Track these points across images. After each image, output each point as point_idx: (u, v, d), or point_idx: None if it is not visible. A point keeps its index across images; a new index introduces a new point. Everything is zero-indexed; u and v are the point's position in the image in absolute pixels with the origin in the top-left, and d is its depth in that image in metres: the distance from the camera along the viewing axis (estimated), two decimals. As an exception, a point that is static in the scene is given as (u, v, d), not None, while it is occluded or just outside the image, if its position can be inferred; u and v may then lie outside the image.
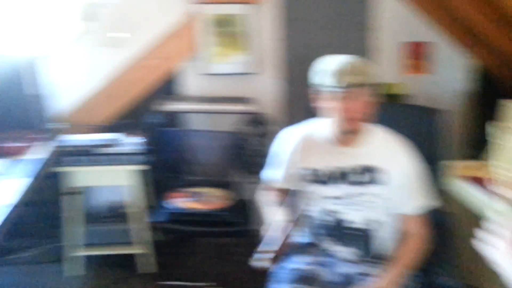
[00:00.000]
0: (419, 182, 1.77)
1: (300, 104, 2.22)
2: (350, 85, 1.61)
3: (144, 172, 2.72)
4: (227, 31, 3.02)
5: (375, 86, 1.66)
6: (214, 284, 2.61)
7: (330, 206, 1.78)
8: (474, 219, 2.57)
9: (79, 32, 2.97)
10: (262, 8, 3.04)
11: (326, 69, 1.66)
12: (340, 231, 1.79)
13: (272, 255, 1.69)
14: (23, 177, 1.97)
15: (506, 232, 1.10)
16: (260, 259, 1.70)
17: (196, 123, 3.10)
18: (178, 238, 2.93)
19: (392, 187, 1.73)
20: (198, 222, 2.34)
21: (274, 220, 1.78)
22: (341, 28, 3.14)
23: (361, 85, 1.62)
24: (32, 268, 2.77)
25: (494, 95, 2.78)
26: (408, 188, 1.74)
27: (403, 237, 1.76)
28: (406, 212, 1.76)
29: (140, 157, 2.54)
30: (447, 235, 1.90)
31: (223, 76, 3.09)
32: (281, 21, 3.10)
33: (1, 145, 2.21)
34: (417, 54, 3.20)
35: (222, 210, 2.40)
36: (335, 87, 1.63)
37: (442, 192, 2.56)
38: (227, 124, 2.95)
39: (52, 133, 2.62)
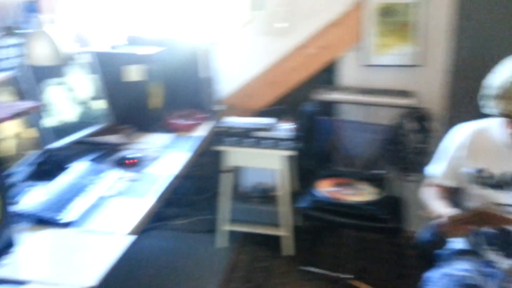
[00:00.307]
0: None
1: (468, 101, 2.07)
2: (506, 114, 1.53)
3: (293, 157, 2.76)
4: (393, 20, 2.89)
5: None
6: (352, 276, 2.55)
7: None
8: None
9: (246, 20, 3.12)
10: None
11: (496, 86, 1.56)
12: (506, 241, 1.66)
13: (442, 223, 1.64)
14: (187, 152, 2.16)
15: None
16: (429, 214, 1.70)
17: (352, 114, 3.04)
18: (320, 226, 2.92)
19: None
20: (342, 213, 2.31)
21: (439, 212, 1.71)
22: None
23: None
24: (186, 236, 3.02)
25: None
26: None
27: None
28: None
29: (292, 143, 2.58)
30: None
31: (385, 67, 2.96)
32: (454, 11, 2.85)
33: (173, 121, 2.44)
34: None
35: (369, 203, 2.32)
36: (496, 111, 1.56)
37: None
38: (384, 117, 2.83)
39: (216, 114, 2.82)
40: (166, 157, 2.09)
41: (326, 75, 3.19)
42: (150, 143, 2.23)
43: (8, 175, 1.49)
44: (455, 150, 1.77)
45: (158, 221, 3.06)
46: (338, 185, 2.50)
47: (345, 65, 3.08)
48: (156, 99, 2.47)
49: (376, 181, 2.55)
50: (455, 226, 1.57)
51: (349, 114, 3.06)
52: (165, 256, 2.81)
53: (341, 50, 3.06)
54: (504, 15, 2.80)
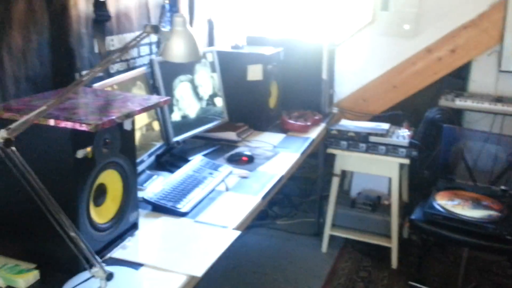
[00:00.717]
0: None
1: None
2: None
3: (407, 166, 2.63)
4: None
5: None
6: None
7: None
8: None
9: (369, 21, 3.04)
10: None
11: None
12: None
13: None
14: (299, 153, 2.17)
15: None
16: None
17: (482, 124, 2.81)
18: (431, 241, 2.72)
19: None
20: (458, 229, 2.12)
21: None
22: None
23: None
24: (290, 236, 3.00)
25: None
26: None
27: None
28: None
29: (407, 151, 2.44)
30: None
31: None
32: None
33: (289, 121, 2.47)
34: None
35: (492, 221, 2.11)
36: None
37: None
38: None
39: (331, 117, 2.79)
40: (278, 156, 2.12)
41: (456, 81, 2.99)
42: (264, 142, 2.28)
43: (137, 163, 1.63)
44: None
45: (264, 219, 3.10)
46: (457, 199, 2.31)
47: (479, 70, 2.86)
48: (273, 99, 2.51)
49: (501, 198, 2.31)
50: None
51: (479, 123, 2.84)
52: (267, 254, 2.83)
53: (474, 54, 2.85)
54: None
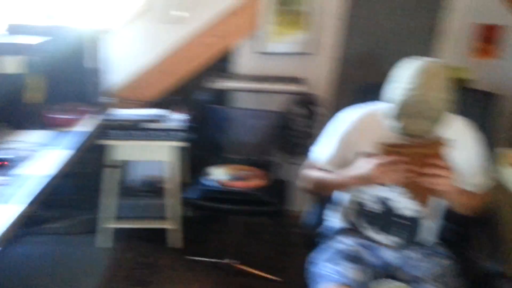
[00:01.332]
0: (482, 163, 1.71)
1: (352, 87, 2.14)
2: (414, 135, 1.50)
3: (184, 148, 2.73)
4: (289, 9, 2.95)
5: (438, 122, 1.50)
6: (238, 262, 2.61)
7: (384, 193, 1.72)
8: None
9: (141, 8, 3.02)
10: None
11: (396, 96, 1.51)
12: (386, 220, 1.75)
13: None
14: (67, 149, 2.06)
15: None
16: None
17: (246, 102, 3.08)
18: (209, 215, 2.95)
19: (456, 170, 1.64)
20: (230, 200, 2.34)
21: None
22: (410, 9, 2.95)
23: (427, 133, 1.49)
24: (65, 239, 2.87)
25: None
26: (471, 170, 1.68)
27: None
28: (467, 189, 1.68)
29: (183, 134, 2.56)
30: (493, 222, 1.81)
31: (279, 55, 3.02)
32: (346, 1, 2.96)
33: (53, 116, 2.32)
34: (487, 37, 2.93)
35: (257, 189, 2.38)
36: (399, 132, 1.53)
37: (495, 179, 2.42)
38: (277, 104, 2.91)
39: (102, 107, 2.72)
40: (42, 156, 1.97)
41: (222, 64, 3.19)
42: (24, 141, 2.09)
43: None
44: (344, 134, 1.73)
45: (34, 226, 2.88)
46: (229, 172, 2.52)
47: (240, 53, 3.10)
48: (35, 93, 2.33)
49: (266, 167, 2.61)
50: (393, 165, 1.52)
51: (244, 102, 3.09)
52: (41, 262, 2.65)
53: (238, 39, 3.07)
54: (395, 5, 2.95)
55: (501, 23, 2.90)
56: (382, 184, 1.57)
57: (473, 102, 2.01)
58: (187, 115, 2.70)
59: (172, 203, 2.72)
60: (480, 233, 1.74)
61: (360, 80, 2.13)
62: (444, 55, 2.97)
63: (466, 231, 1.84)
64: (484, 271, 1.63)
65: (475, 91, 2.63)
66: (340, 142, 1.74)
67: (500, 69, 2.98)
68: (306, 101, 2.76)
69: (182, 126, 2.55)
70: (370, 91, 1.75)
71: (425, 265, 1.68)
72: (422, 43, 2.94)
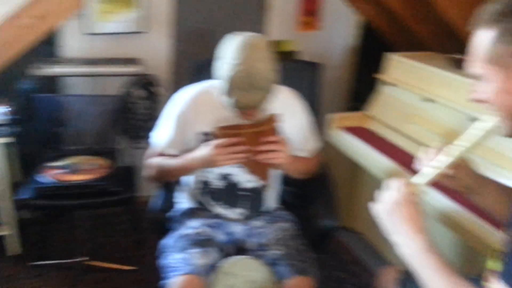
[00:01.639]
0: (311, 129, 1.85)
1: (190, 65, 2.13)
2: (249, 106, 1.53)
3: (9, 144, 2.44)
4: (115, -15, 2.78)
5: (270, 90, 1.54)
6: (87, 258, 2.49)
7: (226, 170, 1.75)
8: (353, 167, 2.72)
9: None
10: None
11: (224, 73, 1.52)
12: (231, 194, 1.79)
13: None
14: None
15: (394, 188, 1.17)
16: None
17: (79, 88, 2.88)
18: (51, 214, 2.74)
19: (288, 141, 1.74)
20: (71, 195, 2.17)
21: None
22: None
23: (261, 102, 1.53)
24: None
25: (379, 49, 2.84)
26: (302, 137, 1.80)
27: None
28: (303, 155, 1.82)
29: (5, 128, 2.29)
30: (326, 182, 1.98)
31: (110, 35, 2.85)
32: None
33: None
34: (309, 11, 3.16)
35: (100, 179, 2.25)
36: (234, 106, 1.54)
37: (325, 142, 2.68)
38: (113, 88, 2.76)
39: None
40: None
41: (46, 48, 2.91)
42: None
43: None
44: (179, 115, 1.72)
45: None
46: (65, 166, 2.34)
47: (66, 35, 2.85)
48: None
49: (109, 155, 2.49)
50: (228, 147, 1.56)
51: (76, 88, 2.88)
52: None
53: (60, 19, 2.81)
54: None
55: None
56: (223, 166, 1.62)
57: (299, 73, 2.16)
58: (9, 107, 2.41)
59: (5, 207, 2.44)
60: (316, 193, 1.89)
61: (196, 58, 2.14)
62: (272, 29, 3.13)
63: (304, 193, 1.99)
64: (321, 227, 1.78)
65: (301, 62, 2.87)
66: (176, 124, 1.73)
67: (322, 40, 3.25)
68: (145, 83, 2.67)
69: (3, 120, 2.28)
70: (206, 68, 1.75)
71: (267, 231, 1.77)
72: (252, 18, 3.05)
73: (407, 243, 1.11)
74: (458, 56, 2.30)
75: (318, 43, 3.24)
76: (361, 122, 2.65)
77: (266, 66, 1.51)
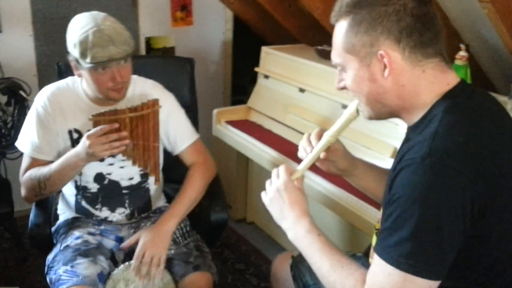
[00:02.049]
0: (183, 119, 1.81)
1: (54, 63, 1.99)
2: (112, 59, 1.47)
3: None
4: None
5: (134, 45, 1.54)
6: None
7: (103, 168, 1.68)
8: (243, 160, 2.80)
9: None
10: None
11: (76, 41, 1.47)
12: (108, 195, 1.73)
13: None
14: None
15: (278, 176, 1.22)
16: None
17: None
18: None
19: (162, 133, 1.73)
20: None
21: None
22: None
23: (125, 56, 1.49)
24: None
25: (253, 43, 2.93)
26: (176, 127, 1.76)
27: (189, 170, 1.79)
28: (185, 147, 1.78)
29: None
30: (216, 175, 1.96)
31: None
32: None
33: None
34: (183, 6, 3.14)
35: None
36: (88, 63, 1.47)
37: (211, 137, 2.71)
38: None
39: None
40: None
41: None
42: None
43: None
44: (39, 116, 1.62)
45: None
46: None
47: None
48: None
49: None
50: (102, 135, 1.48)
51: None
52: None
53: None
54: None
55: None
56: (104, 156, 1.53)
57: (173, 69, 2.15)
58: None
59: None
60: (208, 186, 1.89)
61: (61, 58, 2.01)
62: (145, 25, 3.05)
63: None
64: (212, 221, 1.81)
65: (174, 58, 2.85)
66: (38, 126, 1.63)
67: (196, 35, 3.25)
68: (5, 87, 2.44)
69: None
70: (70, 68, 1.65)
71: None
72: (122, 15, 2.92)
73: (292, 227, 1.16)
74: (325, 48, 2.47)
75: (193, 38, 3.24)
76: (245, 115, 2.72)
77: (115, 24, 1.52)
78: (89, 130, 1.52)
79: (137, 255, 1.58)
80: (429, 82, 1.03)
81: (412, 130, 1.07)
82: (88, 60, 1.46)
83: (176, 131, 1.76)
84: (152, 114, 1.59)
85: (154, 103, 1.60)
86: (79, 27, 1.49)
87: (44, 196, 1.68)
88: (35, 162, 1.64)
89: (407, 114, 1.07)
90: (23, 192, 1.66)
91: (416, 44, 1.01)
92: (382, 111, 1.10)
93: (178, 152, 1.79)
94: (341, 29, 1.06)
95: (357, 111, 1.18)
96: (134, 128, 1.56)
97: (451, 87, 1.04)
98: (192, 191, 1.73)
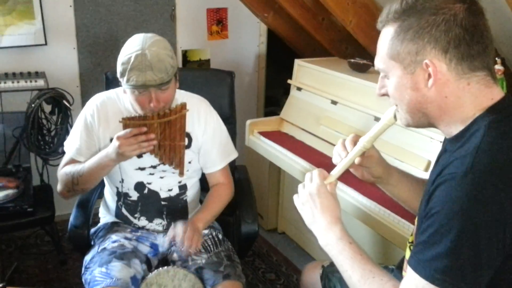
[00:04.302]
0: (225, 138, 1.86)
1: (98, 75, 2.08)
2: (146, 85, 1.53)
3: None
4: (6, -2, 2.63)
5: (174, 73, 1.59)
6: (3, 284, 2.32)
7: (143, 177, 1.74)
8: (276, 171, 2.82)
9: None
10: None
11: (120, 61, 1.55)
12: (147, 205, 1.78)
13: None
14: None
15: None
16: None
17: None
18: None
19: (202, 149, 1.79)
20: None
21: None
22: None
23: (159, 84, 1.54)
24: None
25: (287, 55, 2.97)
26: (217, 147, 1.81)
27: (213, 187, 1.85)
28: (217, 169, 1.84)
29: None
30: (247, 185, 2.04)
31: (10, 49, 2.69)
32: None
33: None
34: (219, 20, 3.23)
35: (11, 200, 2.13)
36: (125, 84, 1.55)
37: (244, 148, 2.75)
38: (17, 104, 2.62)
39: None
40: None
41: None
42: None
43: None
44: (84, 122, 1.72)
45: None
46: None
47: None
48: None
49: (16, 174, 2.35)
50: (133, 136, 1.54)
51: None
52: None
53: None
54: None
55: (226, 6, 3.22)
56: (132, 156, 1.59)
57: (211, 81, 2.20)
58: None
59: None
60: (236, 199, 1.91)
61: (104, 69, 2.10)
62: (182, 39, 3.14)
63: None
64: (243, 232, 1.83)
65: (212, 70, 2.92)
66: (82, 131, 1.72)
67: (230, 48, 3.32)
68: (51, 97, 2.56)
69: None
70: (117, 79, 1.73)
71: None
72: (160, 28, 3.04)
73: (323, 233, 1.16)
74: (358, 60, 2.48)
75: (228, 51, 3.32)
76: (278, 126, 2.75)
77: (161, 50, 1.56)
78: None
79: (178, 231, 1.63)
80: (473, 95, 1.00)
81: (451, 142, 1.05)
82: (124, 81, 1.54)
83: (217, 151, 1.81)
84: (180, 118, 1.65)
85: (182, 107, 1.66)
86: (128, 47, 1.56)
87: (77, 193, 1.76)
88: (73, 162, 1.73)
89: (446, 126, 1.05)
90: (58, 187, 1.74)
91: (464, 56, 0.98)
92: (421, 121, 1.08)
93: (208, 173, 1.85)
94: (387, 35, 1.04)
95: (395, 117, 1.16)
96: (162, 131, 1.64)
97: (494, 102, 1.01)
98: (217, 207, 1.81)
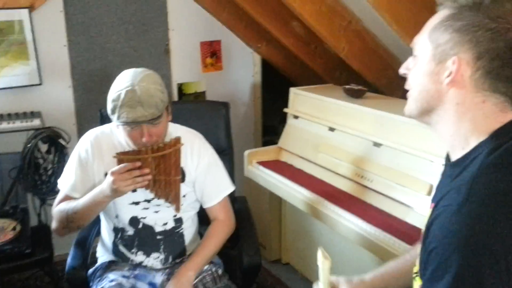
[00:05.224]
0: (220, 172, 1.84)
1: (93, 113, 2.08)
2: (137, 122, 1.53)
3: None
4: (5, 39, 2.65)
5: (164, 107, 1.59)
6: None
7: (137, 212, 1.72)
8: (276, 201, 2.80)
9: None
10: (41, 12, 2.73)
11: (110, 98, 1.56)
12: (144, 239, 1.76)
13: None
14: None
15: None
16: None
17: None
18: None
19: (197, 184, 1.77)
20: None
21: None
22: (139, 31, 3.01)
23: (150, 119, 1.54)
24: None
25: (281, 84, 2.99)
26: (211, 181, 1.79)
27: (212, 224, 1.82)
28: (213, 204, 1.81)
29: None
30: (247, 216, 2.01)
31: (5, 90, 2.70)
32: (67, 25, 2.83)
33: None
34: (213, 52, 3.26)
35: (9, 242, 2.09)
36: (116, 120, 1.55)
37: (243, 178, 2.73)
38: (12, 144, 2.60)
39: None
40: None
41: None
42: None
43: None
44: (79, 157, 1.71)
45: None
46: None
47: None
48: None
49: (13, 215, 2.31)
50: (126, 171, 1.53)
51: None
52: None
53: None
54: (124, 28, 2.96)
55: (219, 39, 3.25)
56: (126, 191, 1.57)
57: (206, 113, 2.20)
58: None
59: None
60: (237, 231, 1.89)
61: (99, 106, 2.11)
62: (177, 72, 3.17)
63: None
64: (245, 266, 1.79)
65: (207, 102, 2.93)
66: (77, 166, 1.71)
67: (225, 79, 3.35)
68: (47, 136, 2.55)
69: None
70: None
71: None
72: (155, 62, 3.06)
73: None
74: (353, 86, 2.49)
75: (223, 82, 3.34)
76: (277, 156, 2.74)
77: (150, 85, 1.55)
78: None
79: None
80: (484, 115, 0.96)
81: (451, 167, 1.02)
82: (115, 118, 1.55)
83: (212, 186, 1.79)
84: (174, 152, 1.63)
85: (176, 141, 1.64)
86: (118, 84, 1.57)
87: (73, 230, 1.73)
88: (67, 198, 1.71)
89: (450, 146, 1.02)
90: (53, 224, 1.71)
91: (492, 72, 0.93)
92: (425, 115, 1.04)
93: (206, 207, 1.83)
94: (439, 16, 1.00)
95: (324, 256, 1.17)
96: (156, 166, 1.62)
97: (501, 125, 0.96)
98: (213, 246, 1.77)
